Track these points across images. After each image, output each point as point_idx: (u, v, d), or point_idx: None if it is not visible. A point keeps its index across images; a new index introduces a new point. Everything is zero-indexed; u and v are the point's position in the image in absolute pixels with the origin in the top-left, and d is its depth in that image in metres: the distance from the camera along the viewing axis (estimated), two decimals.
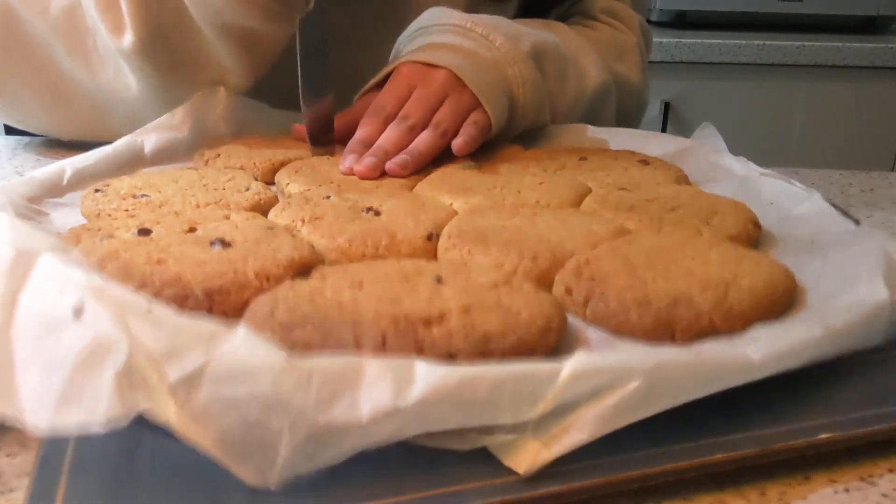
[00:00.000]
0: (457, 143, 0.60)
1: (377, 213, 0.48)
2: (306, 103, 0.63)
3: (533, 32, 0.70)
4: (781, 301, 0.40)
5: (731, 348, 0.32)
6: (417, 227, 0.46)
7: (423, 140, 0.61)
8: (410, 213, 0.48)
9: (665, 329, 0.37)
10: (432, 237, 0.46)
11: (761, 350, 0.32)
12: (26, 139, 0.78)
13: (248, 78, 0.69)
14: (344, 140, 0.64)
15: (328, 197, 0.51)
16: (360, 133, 0.62)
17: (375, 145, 0.60)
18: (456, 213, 0.51)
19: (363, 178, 0.58)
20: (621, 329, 0.38)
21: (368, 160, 0.58)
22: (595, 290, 0.39)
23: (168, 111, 0.66)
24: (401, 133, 0.61)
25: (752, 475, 0.31)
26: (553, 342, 0.35)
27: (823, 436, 0.32)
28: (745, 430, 0.32)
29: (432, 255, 0.46)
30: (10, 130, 0.84)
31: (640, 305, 0.37)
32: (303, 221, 0.47)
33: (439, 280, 0.37)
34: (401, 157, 0.59)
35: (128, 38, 0.62)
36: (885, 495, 0.31)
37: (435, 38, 0.68)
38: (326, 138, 0.65)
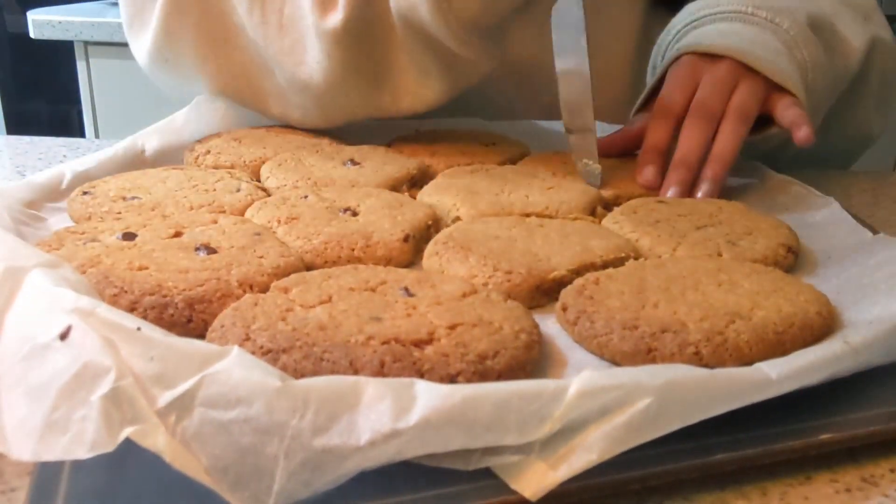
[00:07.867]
0: (802, 135, 0.52)
1: (354, 214, 0.47)
2: (571, 117, 0.56)
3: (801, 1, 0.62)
4: (796, 339, 0.36)
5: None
6: (394, 229, 0.45)
7: (727, 138, 0.54)
8: (388, 214, 0.47)
9: (644, 356, 0.35)
10: (409, 238, 0.45)
11: (779, 367, 0.31)
12: (27, 139, 0.77)
13: (427, 103, 0.61)
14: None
15: (306, 196, 0.50)
16: (652, 138, 0.56)
17: (677, 158, 0.55)
18: (434, 212, 0.49)
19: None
20: (602, 351, 0.36)
21: (675, 186, 0.53)
22: (587, 309, 0.37)
23: (334, 106, 0.60)
24: (701, 132, 0.55)
25: (754, 475, 0.31)
26: (537, 356, 0.34)
27: (824, 436, 0.32)
28: (746, 430, 0.31)
29: (409, 256, 0.45)
30: (11, 130, 0.83)
31: (625, 329, 0.36)
32: (279, 222, 0.46)
33: (407, 290, 0.37)
34: (708, 186, 0.53)
35: (335, 18, 0.55)
36: (886, 495, 0.31)
37: (711, 27, 0.60)
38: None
